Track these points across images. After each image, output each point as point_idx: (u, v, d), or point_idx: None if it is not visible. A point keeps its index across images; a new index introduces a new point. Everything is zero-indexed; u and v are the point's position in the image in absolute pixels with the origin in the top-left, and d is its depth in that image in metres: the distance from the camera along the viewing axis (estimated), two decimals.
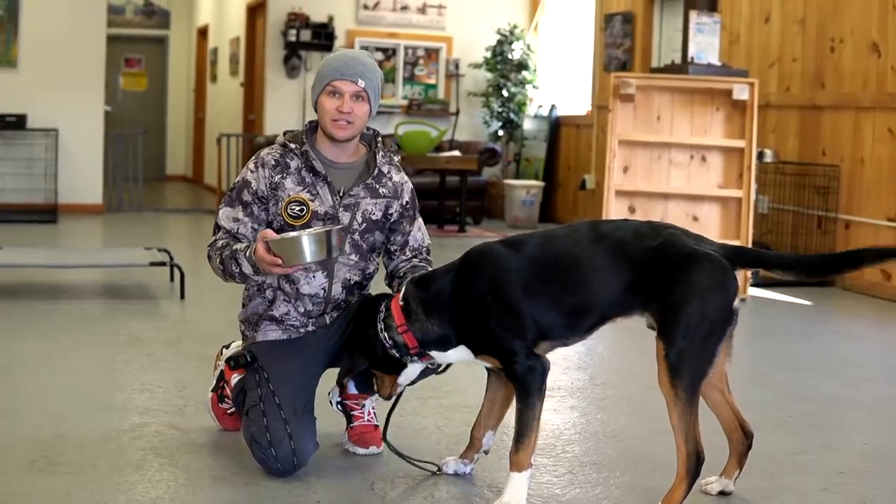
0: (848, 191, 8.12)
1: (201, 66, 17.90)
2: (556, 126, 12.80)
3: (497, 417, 3.57)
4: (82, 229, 10.83)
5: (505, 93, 13.02)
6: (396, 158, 3.87)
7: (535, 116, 13.20)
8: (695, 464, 3.20)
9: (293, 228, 3.60)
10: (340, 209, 3.66)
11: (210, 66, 17.04)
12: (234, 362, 3.74)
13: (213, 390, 4.09)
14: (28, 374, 4.85)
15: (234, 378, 3.95)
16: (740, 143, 7.74)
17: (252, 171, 3.69)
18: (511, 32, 13.03)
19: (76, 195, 11.96)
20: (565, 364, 5.37)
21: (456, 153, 11.71)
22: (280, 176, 3.66)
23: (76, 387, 4.66)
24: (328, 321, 3.74)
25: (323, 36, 12.81)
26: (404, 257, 3.81)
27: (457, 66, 13.39)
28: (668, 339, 3.16)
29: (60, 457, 3.66)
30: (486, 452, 3.59)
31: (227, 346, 4.18)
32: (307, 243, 3.35)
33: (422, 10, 13.34)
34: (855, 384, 5.18)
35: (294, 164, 3.68)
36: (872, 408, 4.78)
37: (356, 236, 3.69)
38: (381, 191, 3.74)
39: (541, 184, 12.39)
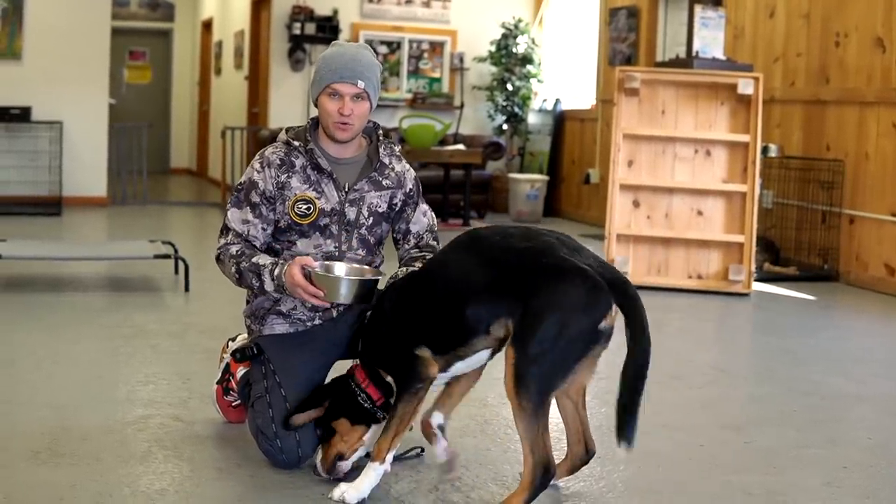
0: (852, 186, 8.11)
1: (206, 59, 17.90)
2: (560, 120, 12.78)
3: (449, 405, 3.54)
4: (86, 222, 10.83)
5: (509, 86, 13.01)
6: (397, 148, 3.88)
7: (540, 110, 13.19)
8: (541, 475, 3.09)
9: (300, 227, 3.63)
10: (346, 205, 3.66)
11: (214, 59, 17.04)
12: (239, 354, 3.74)
13: (218, 382, 4.10)
14: (32, 366, 4.86)
15: (240, 371, 3.96)
16: (745, 138, 7.73)
17: (259, 172, 3.68)
18: (516, 26, 13.02)
19: (80, 188, 11.97)
20: None
21: (460, 147, 11.69)
22: (286, 175, 3.66)
23: (80, 379, 4.66)
24: (335, 314, 3.73)
25: (327, 29, 12.80)
26: (408, 245, 3.83)
27: (461, 60, 13.37)
28: (520, 347, 3.06)
29: (64, 448, 3.67)
30: (441, 428, 3.50)
31: (234, 339, 4.18)
32: (354, 287, 3.39)
33: (426, 4, 13.33)
34: (859, 379, 5.18)
35: (299, 162, 3.68)
36: (876, 403, 4.77)
37: (363, 231, 3.70)
38: (384, 182, 3.74)
39: (545, 178, 12.38)
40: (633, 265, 7.77)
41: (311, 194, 3.65)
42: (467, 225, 11.19)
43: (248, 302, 3.87)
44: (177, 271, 7.37)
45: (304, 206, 3.64)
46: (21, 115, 11.39)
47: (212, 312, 6.37)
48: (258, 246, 3.68)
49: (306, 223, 3.64)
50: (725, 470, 3.70)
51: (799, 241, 8.55)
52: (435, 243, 3.87)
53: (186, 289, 6.86)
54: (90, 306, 6.39)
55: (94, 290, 6.98)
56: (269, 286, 3.51)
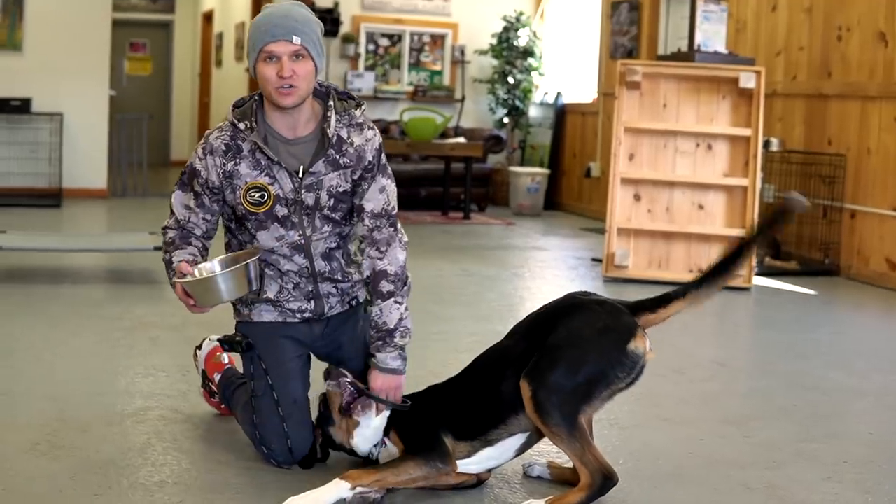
0: (854, 180, 8.10)
1: (206, 51, 17.89)
2: (561, 113, 12.77)
3: None
4: (86, 214, 10.82)
5: (511, 80, 12.99)
6: (357, 113, 3.45)
7: (541, 103, 13.18)
8: (600, 480, 3.10)
9: (257, 216, 3.38)
10: (303, 191, 3.37)
11: (215, 51, 17.03)
12: (227, 346, 3.59)
13: (202, 386, 4.07)
14: (31, 358, 4.85)
15: (216, 376, 3.94)
16: (746, 132, 7.72)
17: (200, 159, 3.39)
18: (517, 19, 13.01)
19: (80, 179, 11.96)
20: None
21: (461, 140, 11.69)
22: (233, 162, 3.36)
23: (79, 371, 4.66)
24: (326, 309, 3.56)
25: (328, 21, 12.77)
26: (362, 227, 3.46)
27: (462, 53, 13.36)
28: (537, 376, 3.09)
29: (63, 440, 3.66)
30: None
31: (200, 347, 4.09)
32: (222, 282, 3.22)
33: None
34: (860, 374, 5.17)
35: (247, 145, 3.36)
36: (877, 397, 4.77)
37: (326, 212, 3.42)
38: (342, 161, 3.39)
39: (546, 171, 12.37)
40: (633, 259, 7.77)
41: (264, 180, 3.35)
42: (468, 218, 11.18)
43: None
44: None
45: (258, 194, 3.35)
46: (21, 107, 11.38)
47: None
48: (200, 234, 3.47)
49: (261, 211, 3.37)
50: (726, 464, 3.70)
51: (800, 235, 8.54)
52: (386, 252, 3.42)
53: None
54: (90, 298, 6.38)
55: (94, 282, 6.97)
56: (172, 290, 3.35)
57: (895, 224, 7.70)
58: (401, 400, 3.40)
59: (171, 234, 3.48)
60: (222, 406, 4.00)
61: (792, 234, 8.59)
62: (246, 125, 3.37)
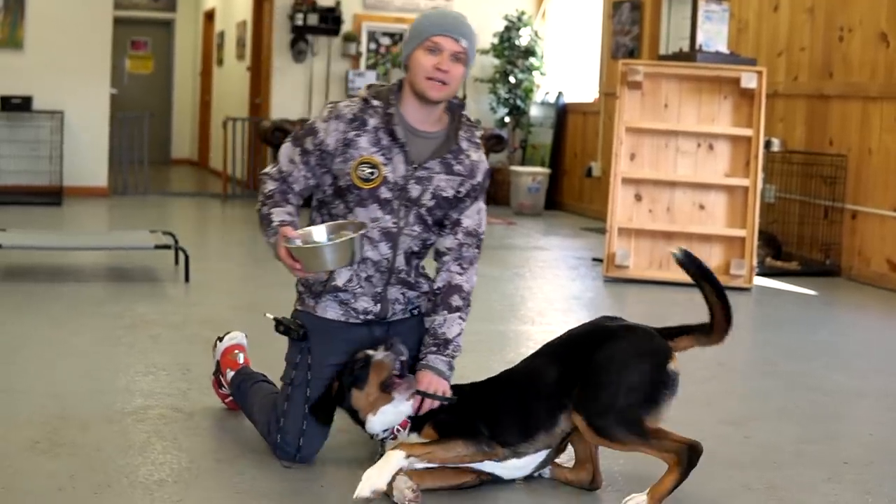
0: (855, 181, 8.10)
1: (208, 50, 17.88)
2: (562, 113, 12.77)
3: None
4: (87, 212, 10.82)
5: (512, 79, 12.98)
6: (478, 134, 3.64)
7: (542, 103, 13.17)
8: (687, 454, 3.16)
9: (360, 192, 3.44)
10: (412, 181, 3.46)
11: (217, 49, 17.02)
12: (283, 329, 3.59)
13: (213, 374, 4.10)
14: (32, 356, 4.85)
15: (229, 372, 3.97)
16: (748, 132, 7.72)
17: (323, 121, 3.47)
18: (518, 19, 13.00)
19: (81, 178, 11.96)
20: None
21: None
22: (355, 132, 3.44)
23: (80, 369, 4.66)
24: (389, 314, 3.59)
25: (330, 20, 12.78)
26: (452, 240, 3.55)
27: None
28: (589, 403, 3.18)
29: (64, 438, 3.66)
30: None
31: (221, 339, 4.13)
32: (329, 253, 3.27)
33: None
34: (860, 375, 5.17)
35: (373, 122, 3.45)
36: (878, 398, 4.77)
37: (423, 210, 3.49)
38: (456, 168, 3.52)
39: (547, 171, 12.37)
40: (634, 259, 7.76)
41: (379, 159, 3.43)
42: None
43: None
44: (177, 262, 7.36)
45: (369, 170, 3.43)
46: (22, 105, 11.38)
47: (212, 303, 6.37)
48: (296, 190, 3.52)
49: (367, 188, 3.43)
50: (726, 465, 3.69)
51: (801, 235, 8.54)
52: (464, 266, 3.54)
53: (187, 279, 6.85)
54: (90, 296, 6.38)
55: (95, 281, 6.97)
56: (268, 246, 3.43)
57: (895, 224, 7.71)
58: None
59: (270, 185, 3.53)
60: (228, 399, 4.03)
61: (793, 235, 8.59)
62: (379, 104, 3.47)
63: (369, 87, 3.55)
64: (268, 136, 12.10)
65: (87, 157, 11.97)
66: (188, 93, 18.77)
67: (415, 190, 3.47)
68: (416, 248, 3.57)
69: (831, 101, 8.35)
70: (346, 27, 12.97)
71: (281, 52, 12.97)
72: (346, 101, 3.52)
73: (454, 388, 3.43)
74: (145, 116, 13.36)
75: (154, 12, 18.54)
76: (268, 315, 3.76)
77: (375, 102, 3.48)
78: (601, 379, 3.19)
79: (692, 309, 6.81)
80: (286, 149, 3.55)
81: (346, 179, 3.46)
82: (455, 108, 3.60)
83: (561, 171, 12.73)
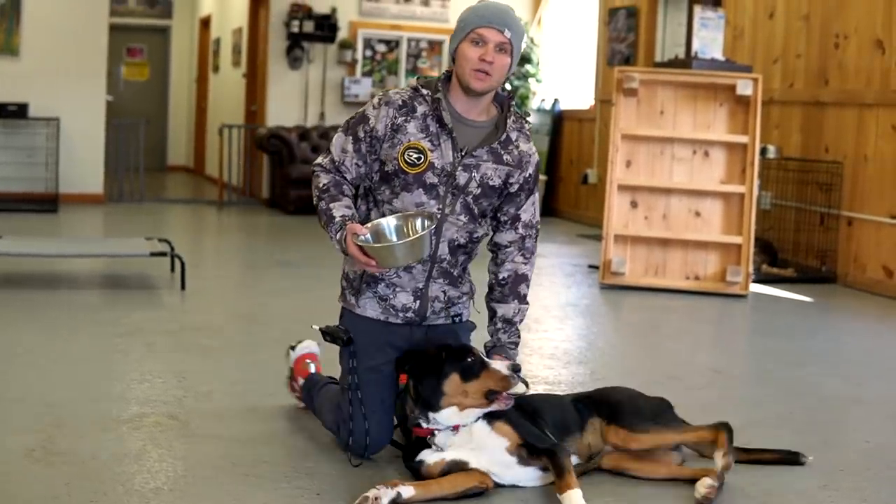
0: (851, 187, 8.10)
1: (203, 57, 17.87)
2: (558, 120, 12.77)
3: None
4: (83, 219, 10.81)
5: (508, 86, 12.99)
6: (527, 126, 3.69)
7: (538, 110, 13.18)
8: (725, 430, 3.52)
9: (406, 178, 3.50)
10: (459, 168, 3.52)
11: (212, 56, 17.01)
12: (329, 337, 3.66)
13: (287, 378, 4.26)
14: (27, 364, 4.84)
15: (300, 380, 4.09)
16: (743, 139, 7.72)
17: (374, 108, 3.56)
18: None
19: (77, 185, 11.95)
20: (566, 359, 5.36)
21: None
22: (404, 118, 3.52)
23: (75, 376, 4.65)
24: (428, 312, 3.64)
25: (326, 27, 12.78)
26: (514, 234, 3.66)
27: None
28: (627, 415, 3.59)
29: (59, 446, 3.65)
30: None
31: (294, 347, 4.22)
32: (401, 251, 3.32)
33: (425, 3, 13.31)
34: (856, 381, 5.17)
35: (421, 109, 3.53)
36: (874, 405, 4.76)
37: (469, 199, 3.55)
38: (505, 157, 3.58)
39: (543, 178, 12.37)
40: (630, 266, 7.76)
41: (426, 145, 3.51)
42: None
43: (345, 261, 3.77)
44: (173, 269, 7.35)
45: (416, 155, 3.50)
46: (18, 112, 11.36)
47: (208, 310, 6.36)
48: (349, 179, 3.59)
49: (413, 173, 3.50)
50: None
51: (797, 242, 8.55)
52: (526, 255, 3.71)
53: (182, 287, 6.85)
54: (86, 304, 6.37)
55: (90, 288, 6.97)
56: (332, 242, 3.47)
57: (892, 231, 7.70)
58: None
59: (324, 179, 3.59)
60: (302, 404, 4.16)
61: (789, 242, 8.60)
62: (427, 92, 3.55)
63: (418, 77, 3.64)
64: (264, 143, 12.10)
65: (83, 163, 11.96)
66: (184, 99, 18.77)
67: (462, 177, 3.53)
68: (461, 241, 3.61)
69: (827, 108, 8.36)
70: (342, 34, 12.98)
71: (277, 59, 12.97)
72: (396, 90, 3.61)
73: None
74: (141, 123, 13.35)
75: (150, 19, 18.54)
76: (314, 327, 3.80)
77: (425, 91, 3.56)
78: (629, 404, 3.64)
79: (689, 316, 6.83)
80: (338, 139, 3.63)
81: (393, 164, 3.53)
82: (504, 100, 3.67)
83: (557, 178, 12.74)
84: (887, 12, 7.77)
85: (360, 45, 13.11)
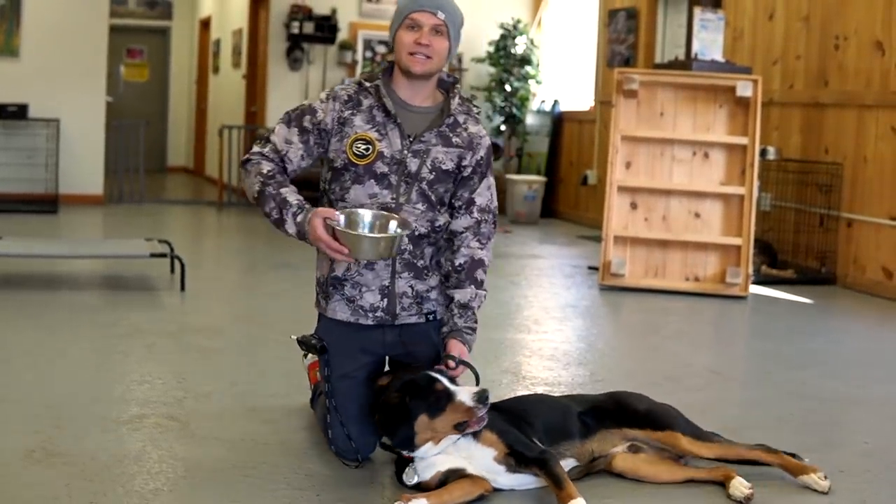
0: (850, 189, 8.10)
1: (203, 58, 17.88)
2: (558, 121, 12.78)
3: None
4: (83, 220, 10.81)
5: (508, 87, 13.00)
6: (475, 110, 3.71)
7: (538, 111, 13.18)
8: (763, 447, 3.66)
9: (356, 170, 3.51)
10: (409, 154, 3.53)
11: (212, 57, 17.02)
12: (304, 347, 3.68)
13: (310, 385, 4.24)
14: (27, 365, 4.84)
15: (312, 385, 4.12)
16: (743, 140, 7.72)
17: (322, 102, 3.59)
18: (514, 27, 13.01)
19: (77, 185, 11.95)
20: (566, 360, 5.36)
21: None
22: (350, 112, 3.55)
23: (75, 377, 4.65)
24: (398, 309, 3.61)
25: (326, 28, 12.79)
26: (469, 219, 3.64)
27: (459, 61, 13.36)
28: (680, 428, 3.64)
29: (59, 448, 3.65)
30: None
31: (306, 355, 4.19)
32: (373, 246, 3.32)
33: None
34: (856, 383, 5.17)
35: (367, 102, 3.56)
36: (873, 407, 4.76)
37: (424, 185, 3.55)
38: (454, 140, 3.59)
39: (543, 179, 12.38)
40: (630, 267, 7.76)
41: (373, 135, 3.53)
42: None
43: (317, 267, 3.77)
44: (173, 270, 7.35)
45: (363, 146, 3.52)
46: (18, 113, 11.37)
47: (207, 312, 6.36)
48: (289, 171, 3.58)
49: (363, 164, 3.51)
50: None
51: (796, 244, 8.55)
52: (481, 241, 3.65)
53: (182, 288, 6.85)
54: (86, 305, 6.37)
55: (90, 289, 6.97)
56: (290, 228, 3.43)
57: (892, 233, 7.70)
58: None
59: (268, 165, 3.57)
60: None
61: (789, 243, 8.60)
62: (370, 84, 3.58)
63: (363, 72, 3.65)
64: None
65: (83, 164, 11.96)
66: (184, 101, 18.77)
67: (413, 164, 3.54)
68: (422, 230, 3.59)
69: (827, 110, 8.36)
70: (342, 35, 12.99)
71: (277, 61, 12.98)
72: (341, 85, 3.67)
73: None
74: (141, 124, 13.35)
75: (150, 20, 18.54)
76: (292, 337, 3.81)
77: (368, 84, 3.60)
78: (666, 414, 3.69)
79: (688, 317, 6.83)
80: (281, 129, 3.62)
81: (342, 158, 3.55)
82: (448, 86, 3.70)
83: (557, 180, 12.74)
84: (887, 14, 7.77)
85: (360, 47, 13.11)
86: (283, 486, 3.38)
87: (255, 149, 3.61)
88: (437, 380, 3.35)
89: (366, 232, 3.41)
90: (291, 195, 3.47)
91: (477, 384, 3.45)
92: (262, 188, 3.51)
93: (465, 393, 3.31)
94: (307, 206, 3.44)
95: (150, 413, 4.12)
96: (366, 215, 3.45)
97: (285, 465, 3.59)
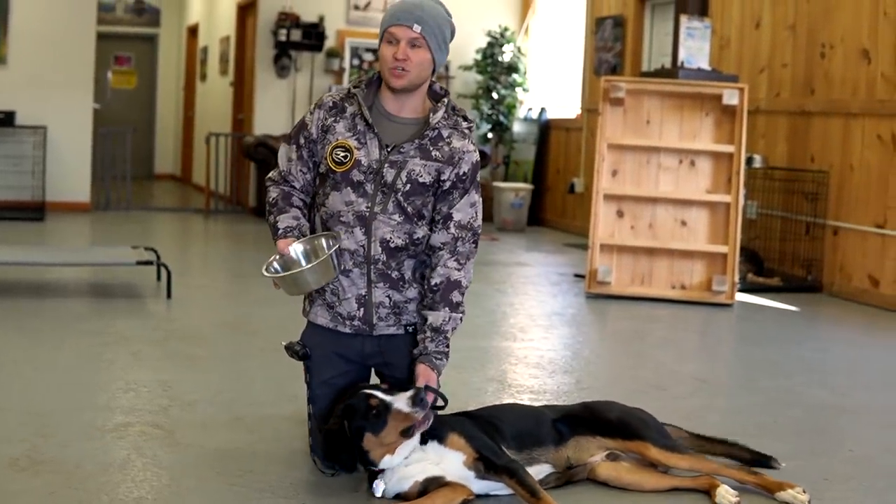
0: (837, 197, 8.13)
1: (191, 65, 17.87)
2: (545, 129, 12.79)
3: None
4: (70, 227, 10.79)
5: (495, 95, 13.01)
6: (465, 124, 3.62)
7: (525, 119, 13.19)
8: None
9: (334, 177, 3.53)
10: (386, 164, 3.50)
11: (200, 64, 17.01)
12: (288, 352, 3.67)
13: None
14: (12, 372, 4.83)
15: None
16: (729, 148, 7.74)
17: (311, 113, 3.64)
18: (502, 35, 13.03)
19: (64, 193, 11.92)
20: (552, 368, 5.36)
21: None
22: (333, 119, 3.58)
23: (60, 385, 4.63)
24: (375, 319, 3.59)
25: (313, 36, 12.79)
26: (446, 235, 3.55)
27: (447, 68, 13.36)
28: (650, 439, 3.60)
29: (43, 456, 3.64)
30: None
31: None
32: (308, 276, 3.39)
33: None
34: (841, 391, 5.18)
35: (351, 109, 3.58)
36: (859, 414, 4.78)
37: (399, 196, 3.50)
38: (433, 153, 3.53)
39: (530, 187, 12.39)
40: (616, 275, 7.77)
41: (352, 143, 3.53)
42: None
43: None
44: (159, 278, 7.34)
45: (342, 153, 3.53)
46: (5, 120, 11.35)
47: (194, 319, 6.35)
48: (298, 187, 3.65)
49: (340, 171, 3.52)
50: None
51: (783, 252, 8.57)
52: (465, 265, 3.57)
53: (168, 296, 6.84)
54: (72, 312, 6.36)
55: (76, 297, 6.95)
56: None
57: (877, 241, 7.73)
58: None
59: (273, 193, 3.67)
60: None
61: (775, 251, 8.62)
62: (357, 91, 3.59)
63: (355, 78, 3.67)
64: (251, 152, 12.08)
65: (70, 172, 11.94)
66: (171, 108, 18.75)
67: (389, 174, 3.51)
68: (399, 242, 3.54)
69: (813, 118, 8.39)
70: (330, 43, 12.98)
71: (264, 68, 12.97)
72: (330, 93, 3.68)
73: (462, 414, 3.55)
74: (128, 131, 13.34)
75: (137, 27, 18.53)
76: (282, 343, 3.79)
77: (354, 90, 3.60)
78: (639, 422, 3.66)
79: (674, 325, 6.84)
80: (283, 150, 3.70)
81: (324, 164, 3.59)
82: (438, 97, 3.67)
83: (544, 188, 12.76)
84: (873, 22, 7.80)
85: (347, 54, 13.11)
86: (268, 495, 3.37)
87: (271, 173, 3.71)
88: (371, 395, 3.33)
89: (303, 264, 3.48)
90: (283, 221, 3.59)
91: (444, 407, 3.45)
92: (268, 216, 3.66)
93: (401, 400, 3.30)
94: (279, 236, 3.58)
95: (136, 421, 4.11)
96: (297, 250, 3.53)
97: (271, 473, 3.58)
